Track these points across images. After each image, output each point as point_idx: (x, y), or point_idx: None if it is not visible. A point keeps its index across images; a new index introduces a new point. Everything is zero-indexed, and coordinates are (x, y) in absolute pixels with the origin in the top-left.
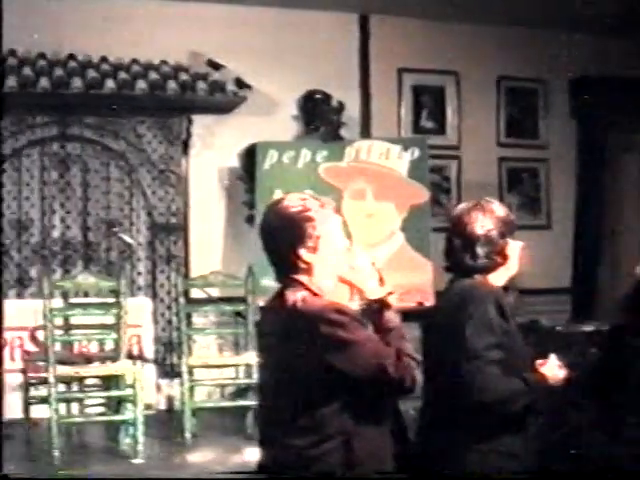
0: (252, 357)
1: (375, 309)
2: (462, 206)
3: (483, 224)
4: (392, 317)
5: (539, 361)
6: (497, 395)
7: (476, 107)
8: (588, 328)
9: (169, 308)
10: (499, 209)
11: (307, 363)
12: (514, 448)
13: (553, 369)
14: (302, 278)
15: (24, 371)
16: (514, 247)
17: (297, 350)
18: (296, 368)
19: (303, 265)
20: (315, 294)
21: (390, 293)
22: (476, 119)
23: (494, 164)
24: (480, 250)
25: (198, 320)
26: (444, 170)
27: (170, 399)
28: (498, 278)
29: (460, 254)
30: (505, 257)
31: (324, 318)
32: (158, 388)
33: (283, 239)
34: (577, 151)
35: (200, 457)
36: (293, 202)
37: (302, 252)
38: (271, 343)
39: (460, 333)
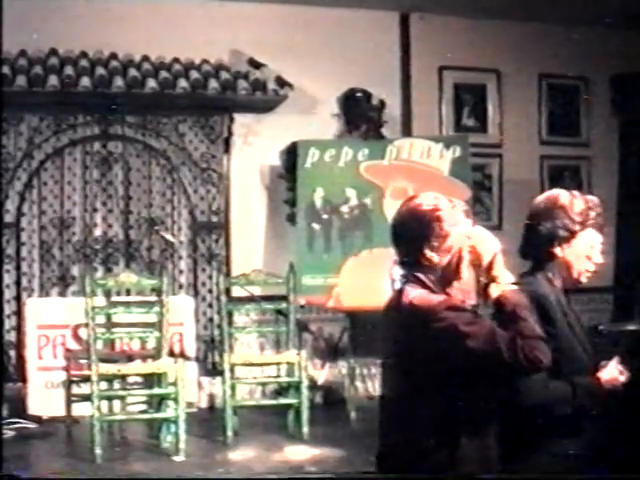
0: (293, 355)
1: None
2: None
3: (536, 217)
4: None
5: (602, 363)
6: (539, 400)
7: (517, 105)
8: (632, 327)
9: (210, 306)
10: (561, 199)
11: (421, 358)
12: (568, 451)
13: (612, 373)
14: (423, 276)
15: (66, 369)
16: (581, 244)
17: (412, 346)
18: (412, 363)
19: (426, 263)
20: (433, 292)
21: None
22: (517, 117)
23: (536, 162)
24: (530, 245)
25: (239, 318)
26: (486, 168)
27: (212, 397)
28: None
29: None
30: (552, 255)
31: (437, 316)
32: (200, 386)
33: (411, 236)
34: (619, 148)
35: (241, 455)
36: (425, 200)
37: (427, 251)
38: (389, 340)
39: None
